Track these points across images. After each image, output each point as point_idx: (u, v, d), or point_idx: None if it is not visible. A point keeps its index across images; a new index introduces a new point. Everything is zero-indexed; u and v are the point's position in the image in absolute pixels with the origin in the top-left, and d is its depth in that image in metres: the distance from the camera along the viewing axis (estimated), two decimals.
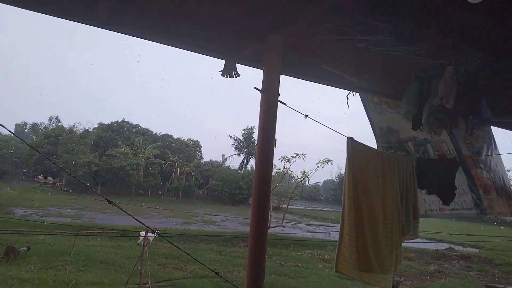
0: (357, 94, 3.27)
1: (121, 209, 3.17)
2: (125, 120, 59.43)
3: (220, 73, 2.26)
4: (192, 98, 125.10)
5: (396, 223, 2.80)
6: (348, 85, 2.93)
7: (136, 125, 60.48)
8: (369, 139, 3.38)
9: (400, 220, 2.85)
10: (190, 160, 58.57)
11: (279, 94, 2.22)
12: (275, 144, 2.22)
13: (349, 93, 3.08)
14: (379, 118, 3.67)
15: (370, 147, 2.91)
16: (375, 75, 2.99)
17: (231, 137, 67.81)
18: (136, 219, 3.14)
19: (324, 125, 2.76)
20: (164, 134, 61.85)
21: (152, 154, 53.56)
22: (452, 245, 24.36)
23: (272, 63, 2.22)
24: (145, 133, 59.29)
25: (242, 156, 67.17)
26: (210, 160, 67.15)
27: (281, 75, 2.25)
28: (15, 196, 34.71)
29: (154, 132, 61.51)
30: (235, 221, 30.85)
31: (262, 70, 2.25)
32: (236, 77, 2.30)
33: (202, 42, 2.28)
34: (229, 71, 2.27)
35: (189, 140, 61.99)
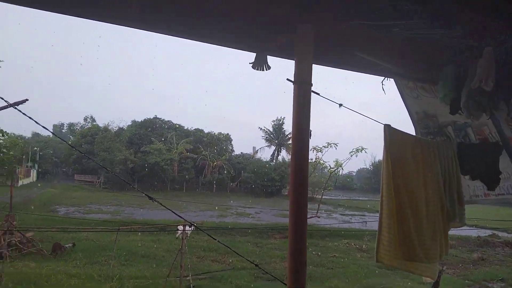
0: (392, 79, 3.19)
1: (161, 204, 3.26)
2: (157, 116, 60.78)
3: (251, 65, 2.25)
4: (222, 91, 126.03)
5: (439, 210, 2.72)
6: (382, 71, 2.86)
7: (168, 121, 61.75)
8: (403, 124, 3.29)
9: (444, 208, 2.77)
10: (222, 153, 59.24)
11: (311, 84, 2.21)
12: (310, 135, 2.21)
13: (384, 79, 3.01)
14: (415, 103, 3.57)
15: (408, 134, 2.84)
16: (409, 59, 2.90)
17: (261, 129, 67.94)
18: (176, 214, 3.22)
19: (359, 113, 2.72)
20: (195, 129, 62.83)
21: (185, 149, 54.54)
22: (495, 232, 23.46)
23: (303, 53, 2.19)
24: (177, 129, 60.40)
25: (273, 147, 67.25)
26: (241, 152, 67.65)
27: (313, 65, 2.23)
28: (57, 195, 36.28)
29: (185, 127, 62.63)
30: (269, 213, 31.04)
31: (294, 61, 2.23)
32: (267, 69, 2.29)
33: (231, 36, 2.29)
34: (259, 64, 2.26)
35: (219, 133, 62.69)
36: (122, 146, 51.93)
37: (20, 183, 42.01)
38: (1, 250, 11.29)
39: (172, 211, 3.26)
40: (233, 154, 63.61)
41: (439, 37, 2.41)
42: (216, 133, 62.14)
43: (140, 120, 59.97)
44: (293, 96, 2.19)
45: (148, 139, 54.36)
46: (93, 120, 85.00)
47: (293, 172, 2.21)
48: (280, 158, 65.11)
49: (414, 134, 3.54)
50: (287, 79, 2.18)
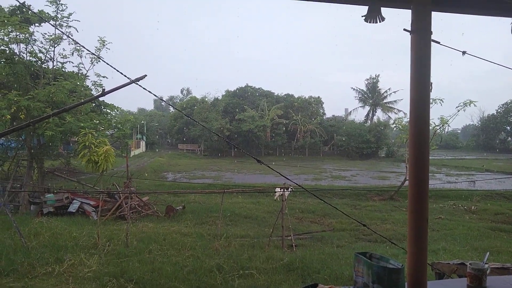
0: None
1: (269, 167, 3.37)
2: (249, 84, 61.94)
3: (363, 18, 2.14)
4: (310, 54, 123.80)
5: None
6: (510, 11, 2.51)
7: (259, 88, 62.57)
8: None
9: None
10: (313, 117, 58.72)
11: (431, 33, 2.03)
12: (431, 88, 2.05)
13: None
14: None
15: None
16: None
17: (353, 89, 65.66)
18: (285, 177, 3.31)
19: (486, 60, 2.44)
20: (285, 94, 62.82)
21: (276, 115, 55.16)
22: None
23: None
24: (268, 95, 61.01)
25: (367, 108, 64.73)
26: (333, 115, 66.35)
27: (432, 12, 2.04)
28: (164, 163, 39.67)
29: (276, 94, 62.94)
30: (366, 175, 30.34)
31: (410, 10, 2.06)
32: (380, 21, 2.15)
33: None
34: (373, 16, 2.13)
35: (310, 97, 61.87)
36: (218, 115, 54.36)
37: (132, 153, 46.60)
38: (124, 213, 12.77)
39: (281, 174, 3.35)
40: (324, 117, 62.65)
41: None
42: (307, 97, 61.46)
43: (233, 90, 61.79)
44: (410, 46, 2.04)
45: (241, 107, 55.99)
46: (189, 92, 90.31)
47: (413, 130, 2.10)
48: (375, 118, 62.57)
49: None
50: (404, 29, 2.03)
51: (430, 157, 2.20)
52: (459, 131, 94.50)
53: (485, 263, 2.15)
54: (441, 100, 16.18)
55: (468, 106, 16.55)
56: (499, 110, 70.56)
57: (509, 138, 72.83)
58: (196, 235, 10.97)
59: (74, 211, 13.58)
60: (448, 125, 17.63)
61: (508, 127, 70.09)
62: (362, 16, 2.13)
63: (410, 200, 2.16)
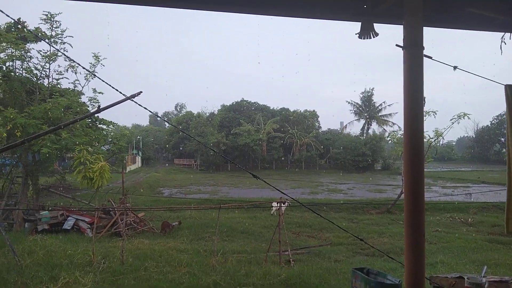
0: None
1: (265, 182, 3.36)
2: (244, 99, 62.28)
3: (357, 35, 2.16)
4: (305, 68, 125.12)
5: None
6: (500, 26, 2.55)
7: (255, 102, 62.94)
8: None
9: None
10: (309, 130, 59.00)
11: (423, 48, 2.05)
12: (424, 101, 2.07)
13: (503, 35, 2.67)
14: None
15: None
16: None
17: (348, 102, 66.17)
18: (281, 191, 3.30)
19: (476, 75, 2.47)
20: (281, 108, 63.22)
21: (272, 129, 55.38)
22: None
23: (413, 14, 2.02)
24: (264, 109, 61.34)
25: (362, 121, 65.14)
26: (329, 129, 66.84)
27: (424, 28, 2.06)
28: (160, 178, 39.46)
29: (271, 108, 63.30)
30: (363, 189, 30.31)
31: (402, 25, 2.09)
32: (374, 37, 2.17)
33: (336, 8, 2.21)
34: (366, 32, 2.15)
35: (305, 111, 62.29)
36: (214, 130, 54.47)
37: (128, 169, 46.33)
38: (120, 229, 12.63)
39: (277, 189, 3.34)
40: (320, 131, 63.01)
41: None
42: (302, 111, 61.85)
43: (228, 104, 62.08)
44: (403, 61, 2.06)
45: (237, 122, 56.19)
46: (183, 107, 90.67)
47: (407, 144, 2.11)
48: (370, 131, 62.95)
49: None
50: (397, 45, 2.05)
51: (425, 170, 2.21)
52: (454, 143, 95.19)
53: (483, 277, 2.14)
54: (434, 112, 16.31)
55: (462, 118, 16.71)
56: (493, 121, 71.25)
57: (504, 150, 73.26)
58: (193, 252, 10.82)
59: (69, 228, 13.42)
60: (443, 138, 17.75)
61: (502, 139, 70.62)
62: (356, 34, 2.15)
63: (406, 215, 2.16)
